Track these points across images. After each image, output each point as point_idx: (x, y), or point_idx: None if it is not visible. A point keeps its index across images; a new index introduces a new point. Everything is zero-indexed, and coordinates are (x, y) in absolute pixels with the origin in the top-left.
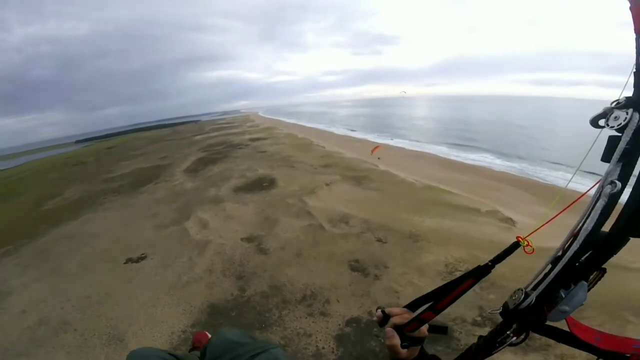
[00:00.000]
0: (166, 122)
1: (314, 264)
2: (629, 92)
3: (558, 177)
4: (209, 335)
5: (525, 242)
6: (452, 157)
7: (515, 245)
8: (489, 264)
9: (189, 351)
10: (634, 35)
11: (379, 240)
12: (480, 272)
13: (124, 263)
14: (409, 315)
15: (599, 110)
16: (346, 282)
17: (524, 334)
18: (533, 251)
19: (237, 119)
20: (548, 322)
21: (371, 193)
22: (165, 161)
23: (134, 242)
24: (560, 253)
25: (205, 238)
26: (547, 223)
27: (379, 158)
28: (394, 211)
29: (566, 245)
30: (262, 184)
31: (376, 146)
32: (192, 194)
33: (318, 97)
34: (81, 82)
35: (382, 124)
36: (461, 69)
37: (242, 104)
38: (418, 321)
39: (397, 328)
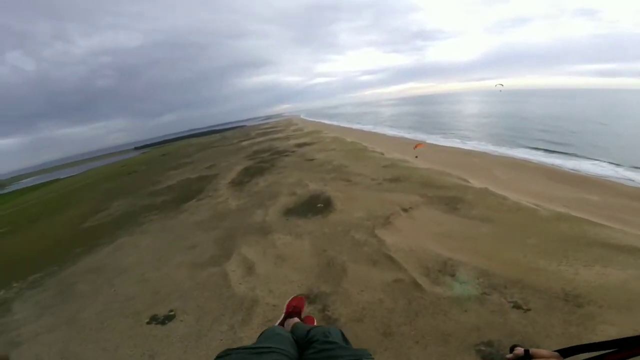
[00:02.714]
0: (216, 128)
1: (416, 351)
2: None
3: None
4: (304, 301)
5: None
6: (557, 166)
7: None
8: None
9: (284, 318)
10: None
11: (517, 306)
12: None
13: (147, 322)
14: None
15: None
16: None
17: None
18: None
19: (280, 122)
20: None
21: (477, 225)
22: (211, 171)
23: (163, 288)
24: None
25: (252, 292)
26: None
27: (416, 157)
28: (524, 256)
29: None
30: (316, 205)
31: (419, 143)
32: (236, 216)
33: (357, 97)
34: (138, 90)
35: (437, 122)
36: (514, 61)
37: (284, 108)
38: None
39: None
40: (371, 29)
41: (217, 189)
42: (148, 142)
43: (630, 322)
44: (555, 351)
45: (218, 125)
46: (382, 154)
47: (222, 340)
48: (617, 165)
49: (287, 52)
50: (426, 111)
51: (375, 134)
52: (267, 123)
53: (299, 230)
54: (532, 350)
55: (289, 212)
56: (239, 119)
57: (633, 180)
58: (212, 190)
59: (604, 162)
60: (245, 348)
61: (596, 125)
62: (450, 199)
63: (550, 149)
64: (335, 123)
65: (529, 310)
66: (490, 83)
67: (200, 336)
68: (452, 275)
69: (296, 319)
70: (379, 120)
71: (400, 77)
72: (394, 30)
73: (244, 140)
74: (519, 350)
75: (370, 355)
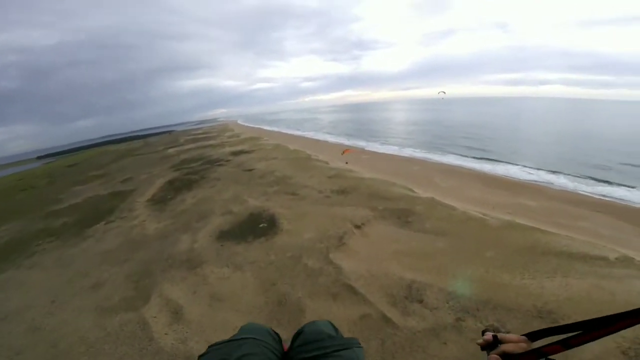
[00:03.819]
0: (139, 134)
1: None
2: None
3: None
4: None
5: None
6: (487, 172)
7: None
8: None
9: None
10: (595, 33)
11: (496, 329)
12: None
13: None
14: (526, 345)
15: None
16: None
17: None
18: None
19: (215, 128)
20: None
21: (433, 240)
22: (128, 185)
23: (63, 340)
24: None
25: (183, 345)
26: None
27: (346, 163)
28: (486, 271)
29: None
30: (259, 225)
31: (346, 149)
32: (155, 245)
33: (298, 104)
34: (51, 93)
35: (373, 129)
36: (436, 72)
37: (219, 112)
38: (537, 354)
39: (506, 357)
40: (315, 37)
41: (133, 209)
42: (55, 151)
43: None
44: (523, 335)
45: (142, 130)
46: (327, 162)
47: None
48: (538, 169)
49: (228, 56)
50: (362, 118)
51: (317, 141)
52: (200, 128)
53: (238, 260)
54: (501, 335)
55: (224, 235)
56: (168, 124)
57: (553, 184)
58: (127, 210)
59: (527, 166)
60: (224, 342)
61: (510, 132)
62: (400, 211)
63: (477, 155)
64: (276, 129)
65: (508, 332)
66: (416, 92)
67: None
68: (421, 301)
69: None
70: (320, 127)
71: (338, 85)
72: (335, 39)
73: (171, 147)
74: (488, 336)
75: (360, 344)
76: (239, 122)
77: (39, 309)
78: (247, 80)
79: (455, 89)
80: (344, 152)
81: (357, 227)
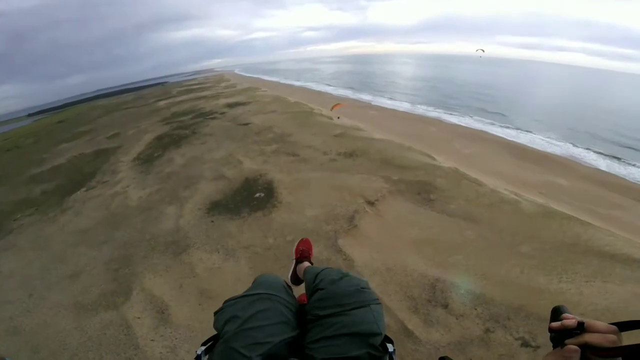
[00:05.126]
0: (131, 87)
1: None
2: (633, 64)
3: None
4: (311, 242)
5: None
6: (510, 139)
7: None
8: None
9: (295, 266)
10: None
11: (525, 343)
12: None
13: None
14: (616, 339)
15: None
16: None
17: None
18: None
19: (210, 78)
20: None
21: (460, 227)
22: (113, 142)
23: (44, 345)
24: None
25: (174, 355)
26: None
27: (338, 117)
28: (521, 271)
29: None
30: (254, 195)
31: (336, 104)
32: (137, 220)
33: (299, 54)
34: (36, 53)
35: (381, 83)
36: (449, 28)
37: (215, 63)
38: (628, 350)
39: (588, 349)
40: None
41: (116, 170)
42: (46, 107)
43: None
44: (612, 324)
45: (135, 83)
46: (331, 118)
47: None
48: (564, 141)
49: (223, 5)
50: (367, 70)
51: (320, 93)
52: (194, 79)
53: (230, 244)
54: (588, 322)
55: (215, 207)
56: (162, 76)
57: (582, 160)
58: (110, 172)
59: (552, 138)
60: (238, 297)
61: (529, 97)
62: (420, 185)
63: (496, 120)
64: (275, 79)
65: (537, 347)
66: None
67: None
68: (446, 306)
69: (306, 264)
70: (321, 78)
71: (342, 35)
72: None
73: (162, 100)
74: (570, 320)
75: (378, 300)
76: (237, 71)
77: (16, 304)
78: (245, 29)
79: (468, 47)
80: (333, 108)
81: (370, 203)
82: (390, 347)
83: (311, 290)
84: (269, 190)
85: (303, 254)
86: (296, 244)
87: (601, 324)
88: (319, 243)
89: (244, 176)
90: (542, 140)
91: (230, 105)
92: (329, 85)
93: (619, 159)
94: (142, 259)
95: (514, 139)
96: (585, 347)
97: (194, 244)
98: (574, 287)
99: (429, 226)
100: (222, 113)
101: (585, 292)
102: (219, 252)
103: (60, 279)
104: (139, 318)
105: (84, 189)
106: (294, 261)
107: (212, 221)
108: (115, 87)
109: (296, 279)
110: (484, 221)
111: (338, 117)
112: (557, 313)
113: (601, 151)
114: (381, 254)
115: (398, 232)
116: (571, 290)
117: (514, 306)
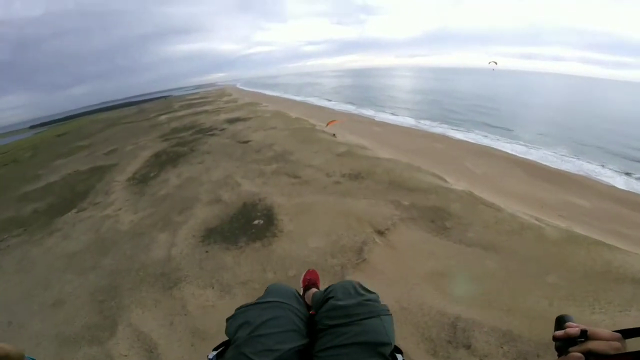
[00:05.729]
0: (134, 100)
1: None
2: (631, 72)
3: None
4: (318, 273)
5: None
6: (521, 155)
7: None
8: None
9: (304, 291)
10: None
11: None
12: None
13: None
14: (620, 346)
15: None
16: None
17: None
18: None
19: (211, 93)
20: None
21: (480, 256)
22: (110, 159)
23: None
24: None
25: None
26: None
27: (334, 135)
28: (549, 304)
29: None
30: (252, 222)
31: (330, 120)
32: (127, 247)
33: (299, 68)
34: (41, 63)
35: (382, 97)
36: (446, 41)
37: (217, 77)
38: (632, 357)
39: (592, 356)
40: None
41: (110, 191)
42: (49, 119)
43: None
44: (615, 331)
45: (138, 96)
46: (334, 135)
47: None
48: (576, 157)
49: (225, 18)
50: (368, 84)
51: (320, 108)
52: (196, 93)
53: (226, 277)
54: (592, 330)
55: (210, 235)
56: (165, 89)
57: (598, 177)
58: (103, 192)
59: (562, 154)
60: (249, 305)
61: (532, 109)
62: (433, 210)
63: (501, 135)
64: (276, 94)
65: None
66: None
67: None
68: (468, 347)
69: (314, 289)
70: (323, 92)
71: (342, 49)
72: (339, 2)
73: (163, 114)
74: (574, 328)
75: (388, 311)
76: (238, 86)
77: None
78: (246, 43)
79: (466, 59)
80: (328, 124)
81: (380, 233)
82: (399, 358)
83: (321, 302)
84: (269, 217)
85: (310, 282)
86: (303, 274)
87: (605, 332)
88: (324, 279)
89: (242, 200)
90: (554, 156)
91: (231, 121)
92: (330, 100)
93: (636, 175)
94: (130, 290)
95: (524, 156)
96: (589, 355)
97: (186, 277)
98: (608, 318)
99: (445, 257)
100: (222, 129)
101: (620, 323)
102: (213, 288)
103: (42, 306)
104: (125, 356)
105: (75, 210)
106: (302, 289)
107: (207, 251)
108: (118, 100)
109: (305, 306)
110: (505, 250)
111: (334, 135)
112: (561, 322)
113: (616, 167)
114: (394, 291)
115: (412, 266)
116: (605, 321)
117: (544, 342)
